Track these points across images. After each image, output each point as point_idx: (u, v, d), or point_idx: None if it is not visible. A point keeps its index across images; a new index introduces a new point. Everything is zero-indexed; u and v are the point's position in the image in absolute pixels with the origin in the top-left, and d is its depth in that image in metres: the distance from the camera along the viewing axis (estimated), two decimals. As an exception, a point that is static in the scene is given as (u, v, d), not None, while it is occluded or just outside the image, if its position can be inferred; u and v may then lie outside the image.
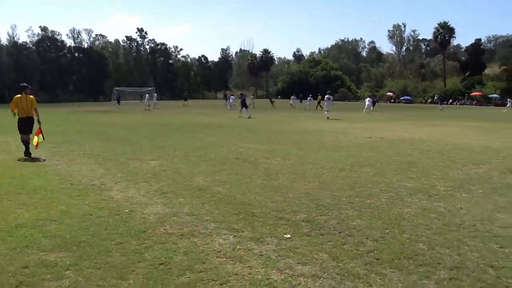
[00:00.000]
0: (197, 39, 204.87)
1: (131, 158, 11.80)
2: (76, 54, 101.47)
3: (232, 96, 52.42)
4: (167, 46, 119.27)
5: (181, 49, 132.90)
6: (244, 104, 32.38)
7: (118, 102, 55.60)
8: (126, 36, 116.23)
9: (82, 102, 77.49)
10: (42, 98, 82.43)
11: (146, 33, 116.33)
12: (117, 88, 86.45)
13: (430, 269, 4.45)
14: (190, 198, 7.35)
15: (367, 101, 42.00)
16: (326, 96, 34.02)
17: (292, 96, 60.61)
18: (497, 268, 4.48)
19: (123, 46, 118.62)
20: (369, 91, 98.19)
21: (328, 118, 30.61)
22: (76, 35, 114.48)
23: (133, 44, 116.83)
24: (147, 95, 50.49)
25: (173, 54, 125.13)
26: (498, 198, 7.43)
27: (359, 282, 4.16)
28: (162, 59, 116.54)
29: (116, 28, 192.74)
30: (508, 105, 46.72)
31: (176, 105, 49.42)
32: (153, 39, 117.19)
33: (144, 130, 20.97)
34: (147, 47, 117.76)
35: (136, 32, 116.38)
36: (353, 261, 4.65)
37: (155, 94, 48.06)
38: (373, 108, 42.64)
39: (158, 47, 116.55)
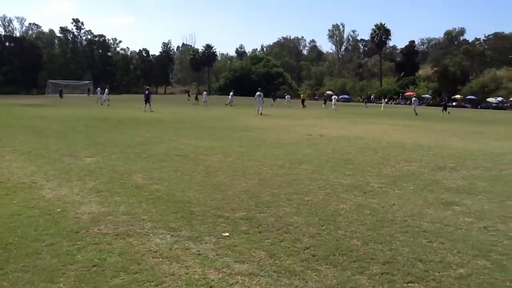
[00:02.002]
0: (137, 32, 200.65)
1: (65, 154, 11.32)
2: (7, 44, 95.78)
3: (204, 92, 52.76)
4: (106, 38, 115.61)
5: (120, 42, 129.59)
6: (147, 99, 32.87)
7: (61, 96, 52.99)
8: (61, 27, 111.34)
9: (14, 94, 73.36)
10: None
11: (82, 23, 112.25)
12: (52, 80, 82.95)
13: (363, 265, 4.59)
14: (126, 196, 7.16)
15: (334, 99, 45.61)
16: (257, 93, 34.75)
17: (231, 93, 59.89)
18: (425, 262, 4.70)
19: (59, 37, 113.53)
20: (309, 89, 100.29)
21: (261, 113, 32.02)
22: (7, 23, 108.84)
23: (69, 35, 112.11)
24: (99, 88, 50.81)
25: (112, 46, 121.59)
26: (428, 195, 7.80)
27: (296, 279, 4.22)
28: (100, 51, 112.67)
29: (50, 17, 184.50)
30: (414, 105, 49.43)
31: (116, 99, 47.88)
32: (90, 30, 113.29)
33: (80, 124, 20.19)
34: (84, 38, 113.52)
35: (72, 23, 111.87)
36: (290, 258, 4.71)
37: (106, 89, 46.35)
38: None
39: (96, 38, 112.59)
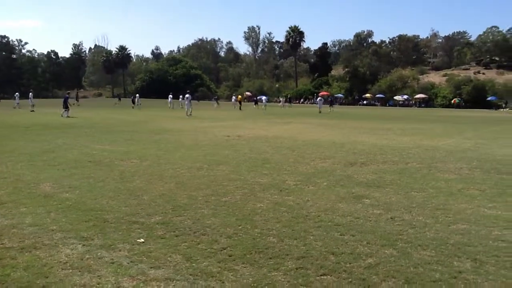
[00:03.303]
0: (45, 33, 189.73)
1: (-37, 165, 10.43)
2: None
3: (137, 95, 51.65)
4: (9, 39, 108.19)
5: (26, 43, 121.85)
6: (65, 105, 31.41)
7: None
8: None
9: None
10: None
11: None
12: None
13: (279, 261, 4.69)
14: (33, 207, 6.73)
15: (319, 100, 47.71)
16: (186, 95, 36.51)
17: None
18: (337, 254, 4.90)
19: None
20: (229, 90, 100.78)
21: (191, 115, 33.15)
22: None
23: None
24: (17, 93, 48.94)
25: (17, 48, 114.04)
26: (340, 189, 8.14)
27: (212, 281, 4.21)
28: (3, 53, 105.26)
29: None
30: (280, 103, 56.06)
31: (24, 104, 44.87)
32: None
33: (-19, 133, 18.69)
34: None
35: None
36: (206, 260, 4.69)
37: (31, 94, 43.13)
38: (284, 105, 54.89)
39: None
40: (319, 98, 48.16)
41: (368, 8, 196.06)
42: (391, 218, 6.32)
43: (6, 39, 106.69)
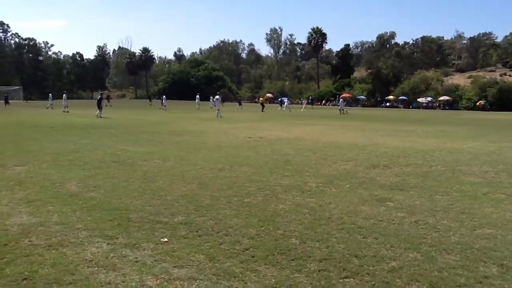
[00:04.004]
0: (70, 35, 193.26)
1: (-8, 164, 10.70)
2: None
3: (163, 96, 51.39)
4: (36, 42, 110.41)
5: (52, 45, 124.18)
6: (99, 105, 32.43)
7: (6, 102, 48.50)
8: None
9: None
10: None
11: (8, 26, 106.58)
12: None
13: (301, 263, 4.69)
14: (60, 205, 6.87)
15: (304, 102, 50.60)
16: (216, 97, 37.16)
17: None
18: (360, 257, 4.87)
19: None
20: (250, 92, 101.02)
21: (221, 116, 33.25)
22: None
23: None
24: (50, 94, 49.55)
25: (43, 50, 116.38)
26: (363, 192, 8.09)
27: (235, 281, 4.23)
28: (30, 55, 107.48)
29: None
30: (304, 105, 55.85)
31: (58, 105, 45.78)
32: (17, 33, 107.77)
33: (8, 132, 19.13)
34: (12, 42, 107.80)
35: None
36: (229, 260, 4.72)
37: (64, 95, 43.91)
38: (305, 106, 54.63)
39: (26, 42, 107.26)
40: (341, 100, 48.09)
41: (391, 9, 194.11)
42: (414, 221, 6.26)
43: (33, 41, 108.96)
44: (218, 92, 38.28)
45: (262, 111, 45.30)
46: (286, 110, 49.21)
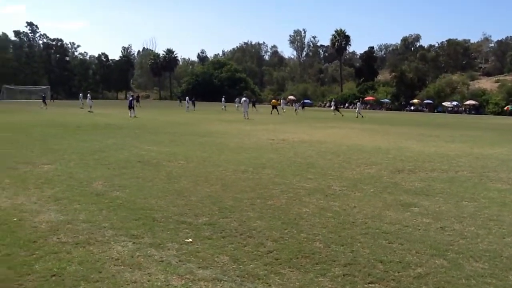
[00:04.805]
0: (96, 36, 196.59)
1: (21, 162, 10.95)
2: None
3: (187, 98, 53.11)
4: (63, 42, 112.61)
5: (78, 46, 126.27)
6: (130, 105, 33.60)
7: (44, 102, 49.06)
8: (14, 31, 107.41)
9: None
10: None
11: (37, 26, 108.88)
12: (7, 86, 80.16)
13: (325, 267, 4.66)
14: (86, 204, 7.00)
15: (358, 104, 47.98)
16: (243, 98, 37.06)
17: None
18: (385, 262, 4.82)
19: (13, 40, 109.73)
20: (272, 94, 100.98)
21: (248, 118, 33.31)
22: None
23: (24, 38, 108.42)
24: (81, 94, 49.98)
25: (70, 50, 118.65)
26: (387, 196, 8.00)
27: (259, 283, 4.24)
28: (57, 56, 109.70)
29: (4, 20, 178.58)
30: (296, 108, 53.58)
31: (75, 104, 46.66)
32: (45, 34, 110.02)
33: (36, 131, 19.57)
34: (40, 42, 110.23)
35: (26, 26, 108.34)
36: (253, 262, 4.73)
37: (88, 95, 44.71)
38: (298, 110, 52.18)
39: (54, 42, 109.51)
40: (358, 103, 47.73)
41: (416, 12, 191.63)
42: (441, 227, 6.16)
43: (60, 42, 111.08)
44: (245, 94, 38.14)
45: (271, 113, 44.78)
46: (296, 113, 48.24)
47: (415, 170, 11.01)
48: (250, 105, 49.32)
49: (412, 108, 76.94)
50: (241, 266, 4.62)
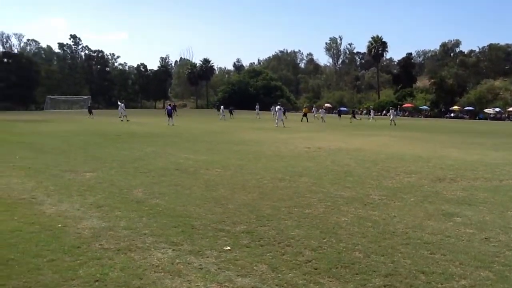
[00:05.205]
0: (135, 47, 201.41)
1: (64, 169, 11.32)
2: (5, 60, 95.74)
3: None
4: (104, 54, 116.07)
5: (118, 57, 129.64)
6: (170, 114, 35.58)
7: (90, 112, 50.50)
8: (59, 43, 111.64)
9: (10, 110, 73.56)
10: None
11: (79, 39, 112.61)
12: (51, 96, 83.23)
13: (366, 277, 4.59)
14: (127, 211, 7.15)
15: (392, 111, 46.36)
16: (277, 106, 37.11)
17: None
18: (427, 273, 4.70)
19: (57, 52, 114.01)
20: (308, 102, 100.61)
21: (284, 126, 33.13)
22: (5, 40, 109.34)
23: (67, 50, 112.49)
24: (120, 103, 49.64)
25: (110, 61, 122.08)
26: (428, 206, 7.81)
27: (298, 293, 4.21)
28: (98, 67, 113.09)
29: (47, 33, 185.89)
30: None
31: (115, 114, 47.93)
32: (87, 46, 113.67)
33: (78, 140, 20.21)
34: (82, 54, 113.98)
35: (70, 39, 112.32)
36: (292, 272, 4.71)
37: (122, 104, 45.95)
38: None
39: (95, 54, 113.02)
40: (391, 110, 46.53)
41: (455, 17, 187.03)
42: (485, 238, 5.96)
43: (101, 53, 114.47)
44: (279, 102, 38.41)
45: (301, 121, 44.36)
46: (322, 119, 46.59)
47: (456, 178, 10.71)
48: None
49: (452, 115, 74.90)
50: (279, 275, 4.61)
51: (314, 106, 62.80)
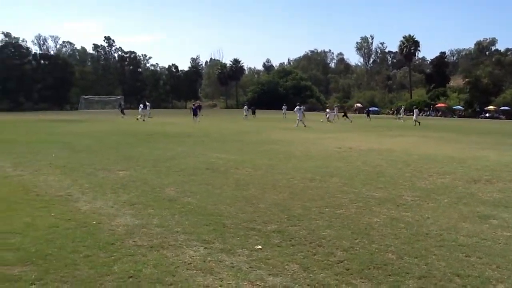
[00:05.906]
0: (166, 48, 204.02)
1: (98, 168, 11.58)
2: (42, 62, 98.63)
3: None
4: (136, 55, 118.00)
5: (150, 58, 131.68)
6: (195, 113, 37.45)
7: (122, 112, 51.31)
8: (94, 44, 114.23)
9: (47, 110, 75.81)
10: (3, 106, 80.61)
11: (113, 41, 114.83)
12: (85, 96, 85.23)
13: (399, 279, 4.53)
14: (159, 209, 7.27)
15: (415, 110, 45.49)
16: (297, 107, 36.68)
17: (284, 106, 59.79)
18: (463, 276, 4.60)
19: (91, 54, 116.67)
20: (338, 102, 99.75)
21: (298, 126, 33.15)
22: (42, 42, 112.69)
23: (101, 52, 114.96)
24: (141, 105, 49.94)
25: (142, 62, 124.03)
26: (463, 208, 7.64)
27: (330, 293, 4.19)
28: (131, 67, 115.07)
29: (83, 35, 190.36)
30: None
31: (144, 114, 48.68)
32: (120, 47, 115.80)
33: (111, 139, 20.64)
34: (116, 55, 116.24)
35: (104, 40, 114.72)
36: (323, 272, 4.68)
37: (148, 104, 46.97)
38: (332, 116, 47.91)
39: (127, 55, 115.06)
40: (415, 110, 45.30)
41: (490, 14, 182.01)
42: (523, 241, 5.79)
43: (133, 54, 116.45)
44: (299, 103, 38.41)
45: (329, 121, 43.80)
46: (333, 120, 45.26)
47: (492, 180, 10.43)
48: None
49: (487, 115, 72.85)
50: (311, 275, 4.59)
51: (335, 106, 59.88)
